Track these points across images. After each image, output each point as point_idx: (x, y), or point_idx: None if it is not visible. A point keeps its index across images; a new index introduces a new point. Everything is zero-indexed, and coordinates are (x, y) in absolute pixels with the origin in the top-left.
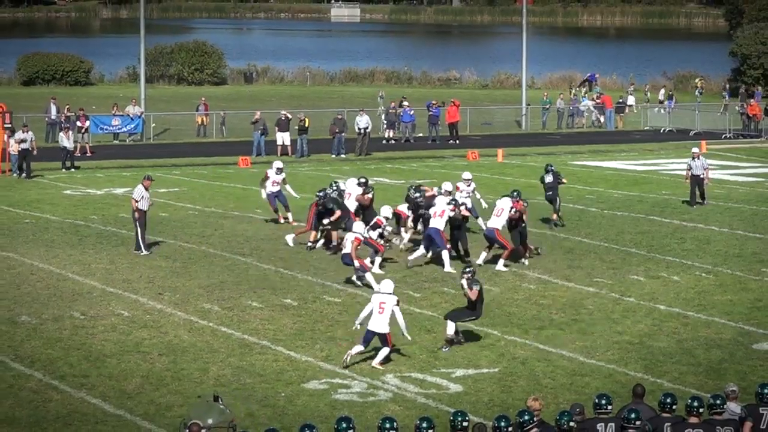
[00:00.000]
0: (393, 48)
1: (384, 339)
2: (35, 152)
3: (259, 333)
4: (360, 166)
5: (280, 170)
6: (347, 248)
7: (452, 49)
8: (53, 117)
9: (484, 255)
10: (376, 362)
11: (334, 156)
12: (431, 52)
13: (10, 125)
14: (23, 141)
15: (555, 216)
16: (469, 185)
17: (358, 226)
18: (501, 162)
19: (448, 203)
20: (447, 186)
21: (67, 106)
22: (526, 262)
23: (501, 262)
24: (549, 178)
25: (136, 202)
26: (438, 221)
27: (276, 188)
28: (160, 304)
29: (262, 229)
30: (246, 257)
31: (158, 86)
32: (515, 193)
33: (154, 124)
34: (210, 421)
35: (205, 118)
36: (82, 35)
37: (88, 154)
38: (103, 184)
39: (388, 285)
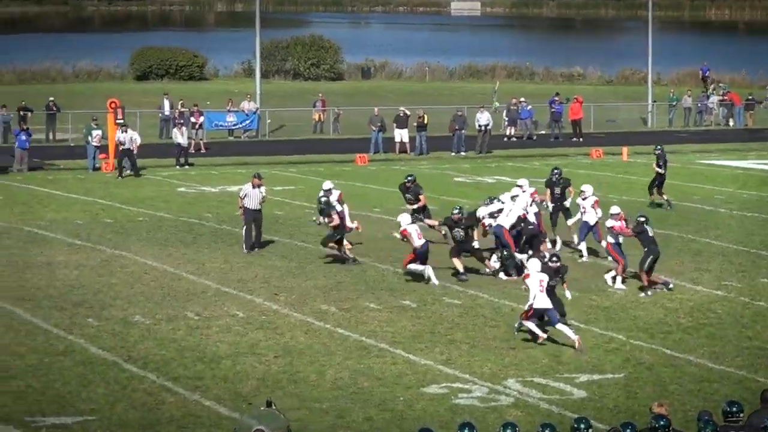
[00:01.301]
0: (514, 43)
1: (552, 314)
2: (136, 152)
3: (377, 335)
4: (480, 164)
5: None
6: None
7: (575, 44)
8: (166, 113)
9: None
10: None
11: (453, 154)
12: (554, 47)
13: (122, 121)
14: (121, 143)
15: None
16: (523, 191)
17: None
18: (626, 161)
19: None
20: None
21: (180, 102)
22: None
23: (613, 276)
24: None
25: (241, 199)
26: (505, 219)
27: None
28: (275, 305)
29: (381, 229)
30: (363, 257)
31: (274, 81)
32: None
33: (269, 121)
34: (265, 428)
35: (322, 115)
36: (197, 29)
37: (202, 151)
38: (218, 181)
39: (535, 263)
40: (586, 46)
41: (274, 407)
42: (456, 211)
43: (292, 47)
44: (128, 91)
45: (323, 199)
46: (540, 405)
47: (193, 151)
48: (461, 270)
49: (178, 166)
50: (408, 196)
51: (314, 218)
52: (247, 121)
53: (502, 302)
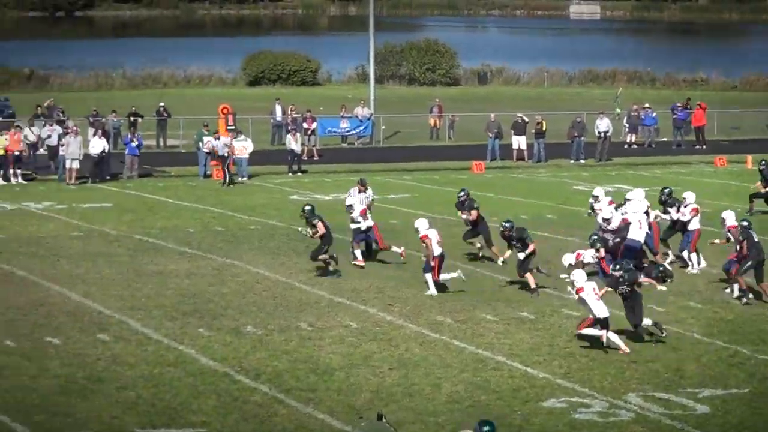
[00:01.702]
0: (635, 47)
1: (604, 322)
2: (232, 158)
3: (494, 347)
4: (600, 172)
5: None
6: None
7: (698, 49)
8: (278, 119)
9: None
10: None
11: (572, 161)
12: (676, 52)
13: (233, 126)
14: (215, 150)
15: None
16: (597, 201)
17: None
18: (750, 168)
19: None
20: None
21: (291, 107)
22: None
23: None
24: None
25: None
26: (638, 232)
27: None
28: (390, 316)
29: (498, 239)
30: (479, 267)
31: (388, 87)
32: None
33: (383, 127)
34: None
35: (438, 121)
36: (309, 33)
37: (315, 158)
38: (331, 189)
39: (581, 274)
40: (709, 50)
41: (384, 420)
42: (506, 225)
43: (407, 52)
44: (240, 96)
45: (307, 209)
46: (662, 420)
47: (305, 158)
48: (533, 286)
49: (290, 173)
50: (464, 213)
51: (300, 229)
52: (361, 128)
53: (623, 314)
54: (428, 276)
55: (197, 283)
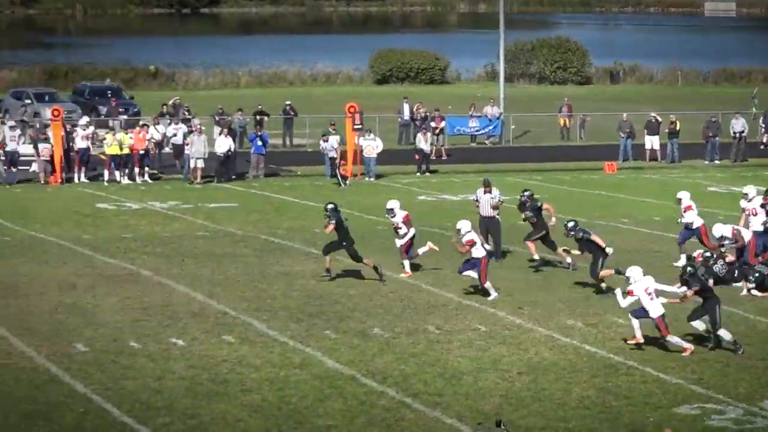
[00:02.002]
0: None
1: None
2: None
3: (625, 352)
4: (735, 173)
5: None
6: None
7: None
8: (406, 118)
9: None
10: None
11: (707, 162)
12: None
13: (360, 126)
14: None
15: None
16: (749, 200)
17: None
18: None
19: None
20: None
21: (417, 105)
22: None
23: None
24: None
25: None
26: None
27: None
28: (519, 319)
29: (629, 241)
30: (611, 269)
31: (518, 85)
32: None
33: (513, 126)
34: None
35: (568, 120)
36: (438, 31)
37: (444, 158)
38: (459, 189)
39: (637, 271)
40: None
41: (503, 427)
42: (569, 225)
43: (537, 50)
44: (367, 94)
45: (329, 207)
46: None
47: (434, 158)
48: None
49: (419, 173)
50: (527, 213)
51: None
52: (490, 127)
53: (758, 319)
54: (469, 273)
55: (324, 284)
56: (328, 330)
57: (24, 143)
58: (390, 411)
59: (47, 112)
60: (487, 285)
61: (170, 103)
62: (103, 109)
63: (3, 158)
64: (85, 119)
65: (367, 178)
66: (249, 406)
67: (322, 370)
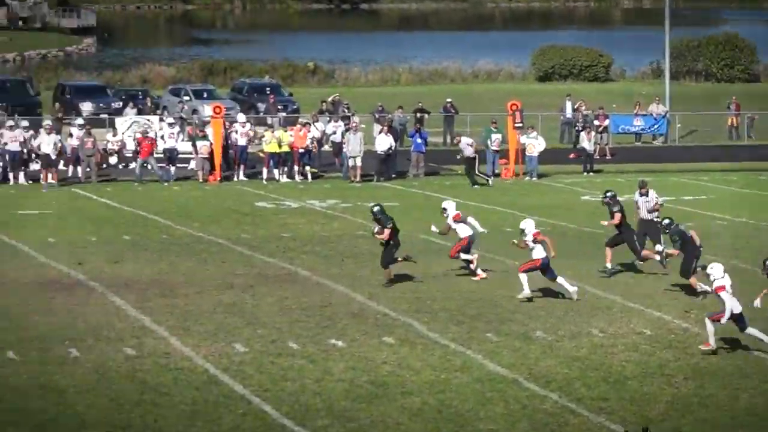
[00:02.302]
0: None
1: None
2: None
3: None
4: None
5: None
6: None
7: None
8: (568, 116)
9: None
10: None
11: None
12: None
13: (521, 124)
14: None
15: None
16: None
17: None
18: None
19: None
20: None
21: (579, 103)
22: None
23: None
24: None
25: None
26: None
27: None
28: (686, 323)
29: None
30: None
31: (684, 83)
32: None
33: (679, 125)
34: None
35: (735, 119)
36: (602, 27)
37: (608, 157)
38: (624, 189)
39: (719, 268)
40: None
41: None
42: (665, 222)
43: (704, 46)
44: (529, 92)
45: (376, 209)
46: None
47: (598, 157)
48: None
49: (585, 173)
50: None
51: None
52: (656, 126)
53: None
54: (523, 276)
55: (485, 286)
56: (490, 332)
57: (182, 140)
58: (553, 416)
59: (205, 109)
60: (524, 278)
61: (329, 100)
62: (262, 107)
63: (161, 155)
64: (243, 117)
65: (527, 178)
66: (409, 409)
67: (484, 373)
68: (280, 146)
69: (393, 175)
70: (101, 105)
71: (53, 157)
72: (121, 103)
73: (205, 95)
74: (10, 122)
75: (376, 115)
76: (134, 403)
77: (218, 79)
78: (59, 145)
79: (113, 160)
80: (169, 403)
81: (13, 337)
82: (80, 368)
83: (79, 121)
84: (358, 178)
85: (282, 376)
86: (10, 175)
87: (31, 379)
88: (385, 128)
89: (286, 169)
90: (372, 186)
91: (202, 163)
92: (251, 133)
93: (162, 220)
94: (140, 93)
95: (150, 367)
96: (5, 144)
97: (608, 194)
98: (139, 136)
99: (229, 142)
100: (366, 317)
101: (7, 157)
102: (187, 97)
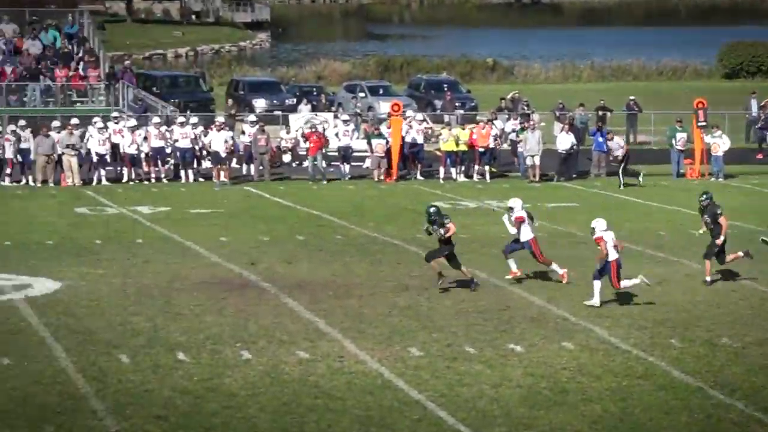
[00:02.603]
0: None
1: None
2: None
3: None
4: None
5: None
6: None
7: None
8: (754, 114)
9: None
10: None
11: None
12: None
13: (705, 123)
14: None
15: None
16: None
17: None
18: None
19: None
20: None
21: (766, 101)
22: None
23: None
24: None
25: None
26: None
27: None
28: None
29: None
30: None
31: None
32: None
33: None
34: None
35: None
36: None
37: None
38: None
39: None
40: None
41: None
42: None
43: None
44: (716, 89)
45: (431, 210)
46: None
47: None
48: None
49: None
50: (705, 217)
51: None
52: None
53: None
54: (597, 283)
55: (669, 290)
56: (674, 338)
57: (357, 138)
58: (739, 426)
59: (381, 106)
60: (597, 287)
61: (509, 97)
62: (439, 104)
63: (335, 153)
64: (419, 114)
65: (713, 179)
66: (589, 417)
67: (667, 381)
68: (457, 144)
69: (574, 175)
70: (275, 101)
71: (223, 155)
72: (295, 100)
73: (380, 92)
74: (181, 119)
75: (557, 113)
76: (307, 407)
77: (394, 75)
78: (230, 142)
79: (287, 158)
80: (342, 407)
81: (183, 338)
82: (252, 371)
83: (252, 117)
84: (537, 178)
85: (458, 381)
86: (182, 173)
87: (201, 382)
88: (566, 126)
89: (463, 168)
90: (552, 186)
91: (377, 161)
92: (428, 131)
93: (336, 220)
94: (314, 89)
95: (323, 371)
96: (176, 141)
97: (704, 196)
98: (307, 131)
99: (405, 140)
100: (545, 321)
101: (178, 154)
102: (362, 94)
